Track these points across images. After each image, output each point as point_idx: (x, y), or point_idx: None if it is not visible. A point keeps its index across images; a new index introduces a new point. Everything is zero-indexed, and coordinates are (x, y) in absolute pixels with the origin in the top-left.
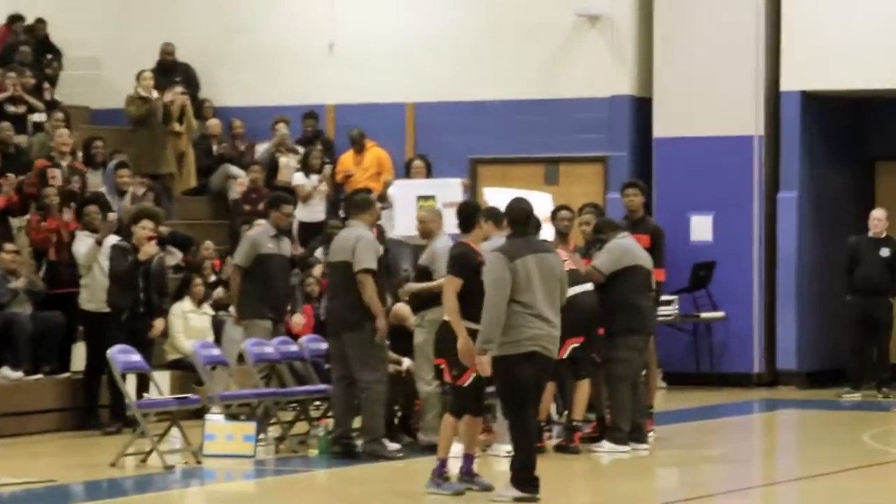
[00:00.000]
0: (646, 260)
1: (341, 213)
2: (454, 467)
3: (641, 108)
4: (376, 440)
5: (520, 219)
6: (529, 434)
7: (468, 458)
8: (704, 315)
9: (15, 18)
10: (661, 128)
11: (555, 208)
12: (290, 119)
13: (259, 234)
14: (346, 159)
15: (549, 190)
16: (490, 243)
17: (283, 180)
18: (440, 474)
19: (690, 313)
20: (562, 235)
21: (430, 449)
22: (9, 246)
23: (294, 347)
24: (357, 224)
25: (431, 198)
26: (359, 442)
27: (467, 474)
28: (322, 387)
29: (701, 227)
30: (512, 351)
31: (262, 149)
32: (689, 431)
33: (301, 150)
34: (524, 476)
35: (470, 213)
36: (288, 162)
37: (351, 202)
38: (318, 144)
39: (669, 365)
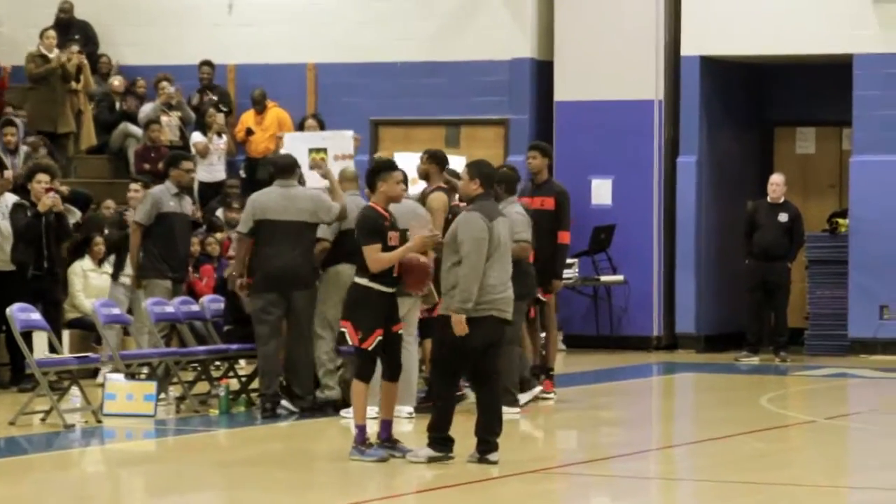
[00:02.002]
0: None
1: (242, 173)
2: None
3: (543, 71)
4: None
5: (490, 178)
6: (452, 397)
7: (386, 425)
8: (604, 278)
9: None
10: (563, 91)
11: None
12: (181, 77)
13: (160, 191)
14: (248, 118)
15: (450, 152)
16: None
17: (166, 139)
18: (362, 441)
19: (590, 276)
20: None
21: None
22: None
23: (195, 307)
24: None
25: (323, 150)
26: (283, 402)
27: (388, 441)
28: (223, 347)
29: (601, 191)
30: (467, 314)
31: (147, 108)
32: (589, 394)
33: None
34: (439, 436)
35: (373, 174)
36: (169, 121)
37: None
38: (212, 95)
39: (569, 328)
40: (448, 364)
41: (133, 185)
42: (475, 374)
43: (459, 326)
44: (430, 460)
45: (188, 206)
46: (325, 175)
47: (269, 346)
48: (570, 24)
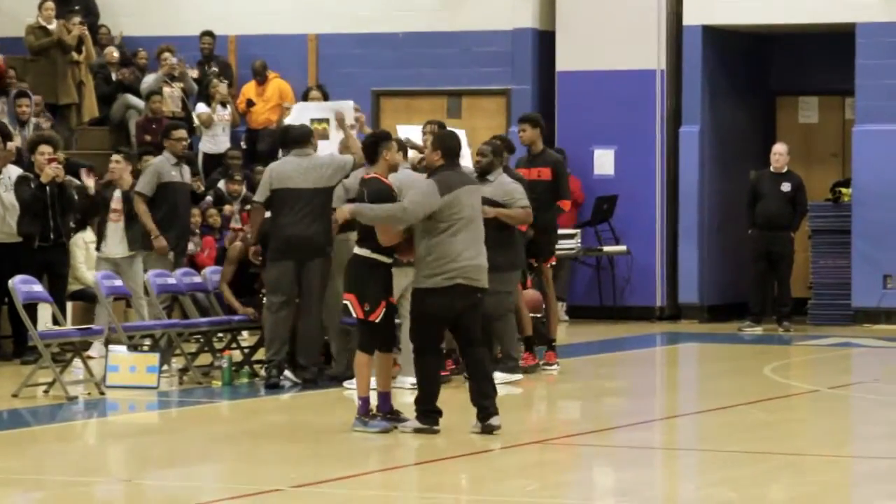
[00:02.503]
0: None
1: (243, 145)
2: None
3: (544, 41)
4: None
5: (453, 151)
6: (435, 367)
7: (385, 397)
8: (607, 249)
9: None
10: (564, 61)
11: None
12: (182, 48)
13: (160, 162)
14: (249, 89)
15: (451, 123)
16: (401, 174)
17: (169, 110)
18: (365, 412)
19: (593, 247)
20: None
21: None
22: None
23: (197, 279)
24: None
25: (325, 120)
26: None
27: (389, 413)
28: (226, 318)
29: (603, 161)
30: (435, 284)
31: (150, 79)
32: (592, 364)
33: (180, 76)
34: (426, 408)
35: (374, 144)
36: (172, 92)
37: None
38: (213, 66)
39: (573, 298)
40: (423, 335)
41: (114, 157)
42: (459, 344)
43: (341, 214)
44: (416, 431)
45: (188, 176)
46: (340, 124)
47: (279, 313)
48: None
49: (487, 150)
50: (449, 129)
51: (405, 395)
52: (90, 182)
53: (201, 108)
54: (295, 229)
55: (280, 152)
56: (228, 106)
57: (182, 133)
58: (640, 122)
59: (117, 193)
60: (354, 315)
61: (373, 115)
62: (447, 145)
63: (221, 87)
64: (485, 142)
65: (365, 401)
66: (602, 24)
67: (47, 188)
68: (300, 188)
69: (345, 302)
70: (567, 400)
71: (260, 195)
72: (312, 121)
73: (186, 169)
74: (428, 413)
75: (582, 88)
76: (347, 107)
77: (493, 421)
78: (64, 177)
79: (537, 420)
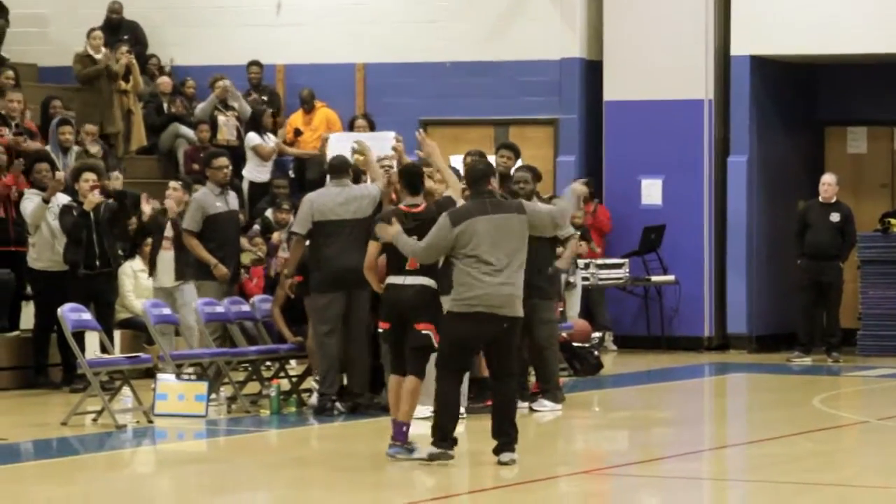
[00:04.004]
0: None
1: (291, 174)
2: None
3: (592, 70)
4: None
5: (476, 179)
6: (453, 395)
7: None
8: (655, 278)
9: None
10: (612, 91)
11: None
12: (230, 77)
13: (204, 195)
14: (296, 119)
15: None
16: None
17: (223, 139)
18: (404, 439)
19: (641, 277)
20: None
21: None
22: None
23: (245, 307)
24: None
25: (342, 155)
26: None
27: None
28: (274, 347)
29: (651, 191)
30: (456, 309)
31: (200, 107)
32: (640, 394)
33: (236, 105)
34: (441, 436)
35: (417, 175)
36: (227, 120)
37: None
38: (262, 95)
39: (620, 328)
40: (445, 361)
41: (172, 184)
42: (490, 374)
43: (385, 231)
44: (431, 457)
45: (234, 202)
46: (362, 153)
47: (330, 344)
48: (619, 23)
49: (528, 176)
50: (478, 157)
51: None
52: (147, 208)
53: (253, 138)
54: (342, 261)
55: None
56: (272, 136)
57: (223, 161)
58: (688, 151)
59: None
60: (435, 345)
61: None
62: (470, 174)
63: (268, 117)
64: (519, 168)
65: (407, 427)
66: (650, 54)
67: (91, 215)
68: (342, 219)
69: (425, 332)
70: (615, 430)
71: (301, 227)
72: (354, 151)
73: (232, 195)
74: (445, 439)
75: (629, 118)
76: (388, 137)
77: (503, 457)
78: (108, 201)
79: (585, 450)
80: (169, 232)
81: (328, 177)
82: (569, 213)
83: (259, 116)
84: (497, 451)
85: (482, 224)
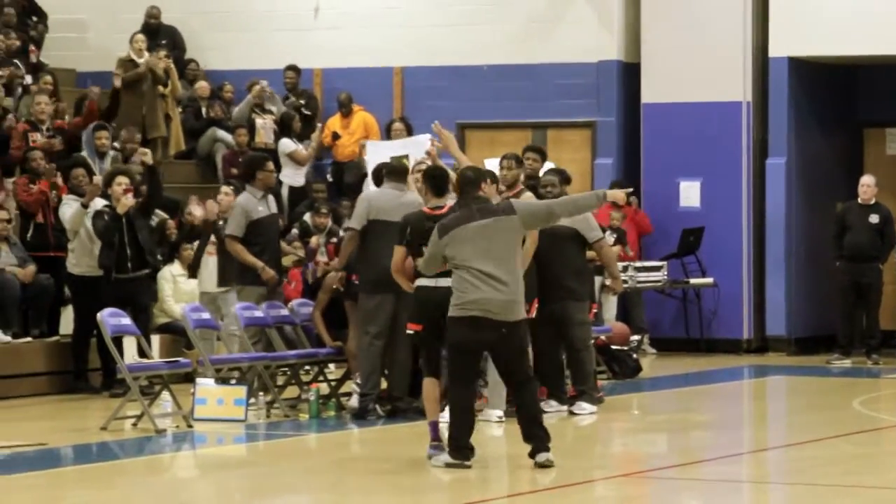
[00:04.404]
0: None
1: (329, 177)
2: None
3: (629, 73)
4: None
5: (464, 186)
6: (465, 400)
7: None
8: (693, 281)
9: None
10: (650, 93)
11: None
12: (268, 81)
13: (247, 200)
14: (334, 122)
15: None
16: None
17: (261, 142)
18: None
19: (679, 279)
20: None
21: None
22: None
23: (284, 312)
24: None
25: (404, 157)
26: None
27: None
28: (313, 351)
29: (689, 193)
30: (455, 313)
31: (237, 109)
32: (679, 397)
33: (274, 109)
34: (455, 444)
35: (441, 178)
36: (265, 123)
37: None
38: (298, 100)
39: (658, 331)
40: (452, 366)
41: (224, 188)
42: (506, 384)
43: None
44: (448, 466)
45: (274, 206)
46: (447, 144)
47: (374, 344)
48: (656, 25)
49: (555, 179)
50: (514, 160)
51: (491, 428)
52: (199, 211)
53: (288, 144)
54: (390, 262)
55: (365, 186)
56: (303, 141)
57: (272, 165)
58: (727, 154)
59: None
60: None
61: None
62: (459, 182)
63: (297, 122)
64: (547, 172)
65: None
66: (687, 56)
67: (123, 219)
68: (395, 221)
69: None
70: (653, 433)
71: (357, 223)
72: (392, 158)
73: (272, 199)
74: (460, 448)
75: (667, 121)
76: (423, 141)
77: (539, 458)
78: (137, 203)
79: (624, 453)
80: (213, 237)
81: (384, 179)
82: (585, 207)
83: (289, 122)
84: (532, 454)
85: (469, 231)
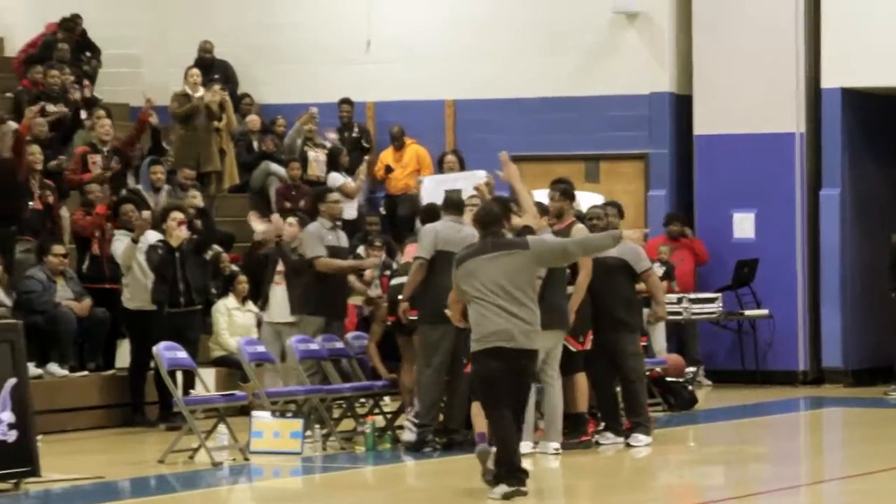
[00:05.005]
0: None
1: (382, 210)
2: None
3: (682, 105)
4: None
5: (482, 221)
6: (504, 429)
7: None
8: (748, 312)
9: (68, 21)
10: (702, 125)
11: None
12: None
13: (318, 228)
14: (386, 155)
15: (590, 188)
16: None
17: (314, 174)
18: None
19: (734, 311)
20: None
21: None
22: (57, 248)
23: (339, 344)
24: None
25: (458, 191)
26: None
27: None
28: (368, 384)
29: (743, 225)
30: (477, 347)
31: (289, 134)
32: (735, 429)
33: (328, 143)
34: (507, 470)
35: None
36: (317, 156)
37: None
38: (353, 133)
39: (714, 362)
40: (482, 398)
41: (290, 219)
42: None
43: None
44: (505, 497)
45: (344, 240)
46: (510, 176)
47: (436, 376)
48: (708, 57)
49: (601, 212)
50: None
51: (548, 460)
52: (260, 226)
53: (336, 177)
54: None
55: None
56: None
57: (337, 196)
58: (780, 185)
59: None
60: None
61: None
62: (480, 217)
63: (362, 167)
64: (595, 206)
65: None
66: (740, 88)
67: (177, 254)
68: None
69: None
70: (709, 465)
71: (427, 252)
72: (446, 191)
73: (343, 235)
74: (511, 473)
75: (720, 152)
76: (479, 176)
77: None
78: (190, 237)
79: (679, 485)
80: (280, 266)
81: (442, 213)
82: (600, 248)
83: (336, 155)
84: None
85: (480, 263)
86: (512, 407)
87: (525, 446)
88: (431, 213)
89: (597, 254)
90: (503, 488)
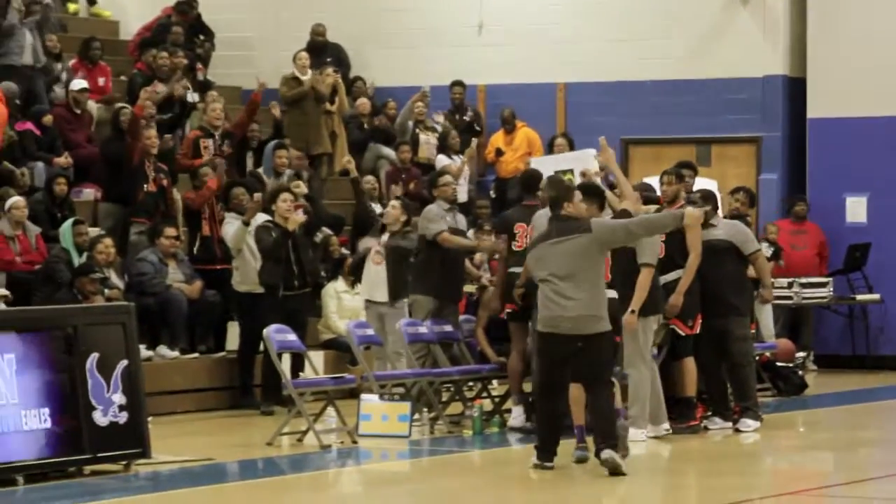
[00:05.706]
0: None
1: (492, 194)
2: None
3: (795, 88)
4: None
5: (550, 201)
6: (550, 410)
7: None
8: (860, 297)
9: (183, 4)
10: (816, 108)
11: None
12: (429, 96)
13: (437, 209)
14: (497, 139)
15: (701, 172)
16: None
17: (424, 157)
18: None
19: (846, 295)
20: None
21: None
22: (169, 230)
23: (448, 328)
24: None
25: (569, 171)
26: None
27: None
28: (476, 367)
29: (856, 209)
30: (540, 328)
31: (401, 114)
32: (844, 414)
33: (438, 126)
34: (541, 447)
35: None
36: (428, 139)
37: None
38: (465, 116)
39: (824, 347)
40: (539, 378)
41: (393, 202)
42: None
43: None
44: (534, 466)
45: (463, 223)
46: (608, 160)
47: None
48: (822, 40)
49: (697, 196)
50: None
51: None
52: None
53: (442, 159)
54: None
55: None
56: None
57: (448, 178)
58: (894, 169)
59: (384, 238)
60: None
61: (622, 163)
62: (547, 195)
63: (471, 146)
64: (695, 191)
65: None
66: (854, 71)
67: (290, 236)
68: None
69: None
70: (819, 450)
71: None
72: (556, 172)
73: (461, 216)
74: (544, 450)
75: (834, 135)
76: (589, 155)
77: (603, 454)
78: (305, 220)
79: (789, 470)
80: (379, 247)
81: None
82: (663, 227)
83: (445, 138)
84: (597, 453)
85: (546, 249)
86: (581, 384)
87: (637, 434)
88: (530, 182)
89: (660, 233)
90: (534, 459)
